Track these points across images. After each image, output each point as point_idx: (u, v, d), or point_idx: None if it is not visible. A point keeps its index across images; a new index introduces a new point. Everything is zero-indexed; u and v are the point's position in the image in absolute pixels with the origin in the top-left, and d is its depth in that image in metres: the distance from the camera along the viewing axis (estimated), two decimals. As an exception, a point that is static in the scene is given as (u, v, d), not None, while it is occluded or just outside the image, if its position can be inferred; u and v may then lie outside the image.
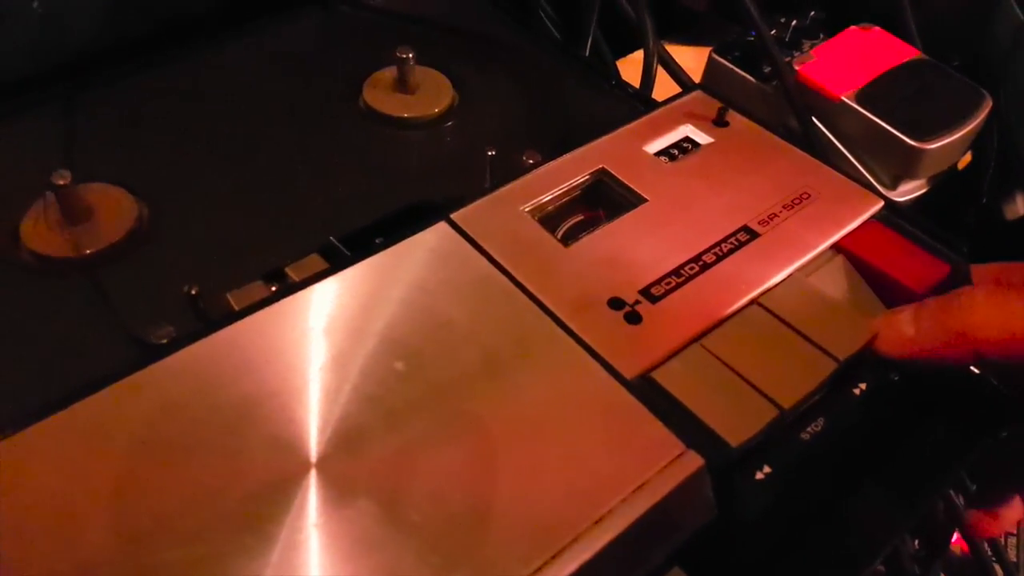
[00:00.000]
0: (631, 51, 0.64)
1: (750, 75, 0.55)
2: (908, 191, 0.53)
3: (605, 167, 0.38)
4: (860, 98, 0.51)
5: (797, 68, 0.52)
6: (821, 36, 0.57)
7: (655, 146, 0.40)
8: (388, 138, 0.47)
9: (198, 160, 0.45)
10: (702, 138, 0.40)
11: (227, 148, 0.45)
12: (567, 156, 0.39)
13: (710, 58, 0.56)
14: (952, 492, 0.47)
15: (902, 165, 0.51)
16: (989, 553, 0.55)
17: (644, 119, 0.41)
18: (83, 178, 0.41)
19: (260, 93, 0.49)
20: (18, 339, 0.36)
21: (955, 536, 0.56)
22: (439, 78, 0.49)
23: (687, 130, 0.41)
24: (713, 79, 0.56)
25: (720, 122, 0.41)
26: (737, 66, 0.55)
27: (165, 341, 0.32)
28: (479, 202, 0.37)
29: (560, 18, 0.64)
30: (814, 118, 0.52)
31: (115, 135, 0.46)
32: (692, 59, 0.61)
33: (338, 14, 0.57)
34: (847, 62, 0.53)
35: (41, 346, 0.36)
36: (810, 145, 0.40)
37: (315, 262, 0.35)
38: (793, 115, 0.52)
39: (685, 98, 0.43)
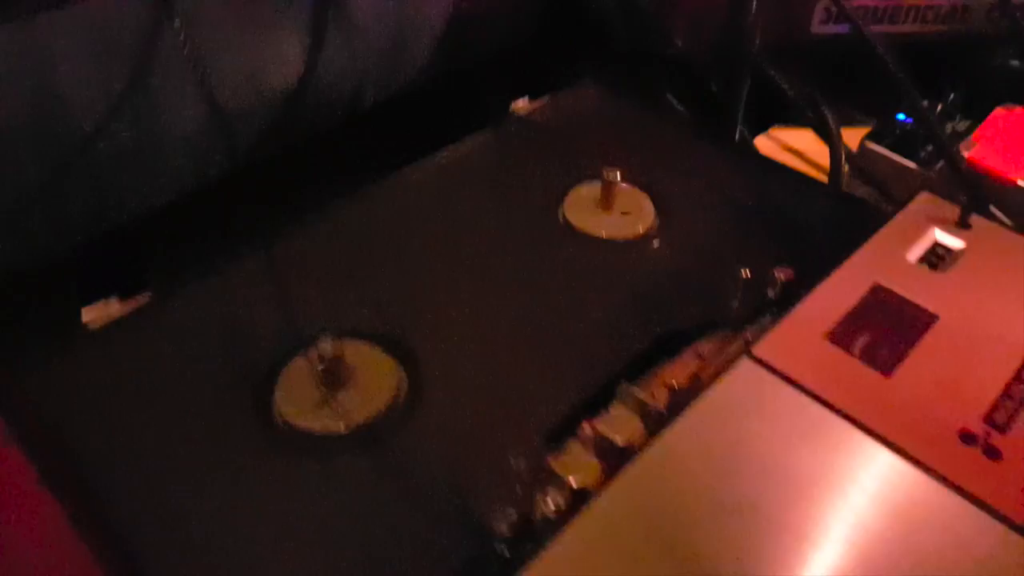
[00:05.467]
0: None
1: (908, 160, 0.55)
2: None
3: (878, 283, 0.37)
4: (1037, 181, 0.51)
5: (965, 155, 0.52)
6: (958, 117, 0.58)
7: (912, 254, 0.39)
8: (601, 261, 0.44)
9: (432, 299, 0.42)
10: (953, 242, 0.40)
11: (454, 283, 0.43)
12: (835, 274, 0.38)
13: (862, 145, 0.56)
14: None
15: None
16: None
17: (889, 226, 0.41)
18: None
19: (462, 217, 0.47)
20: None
21: None
22: (636, 193, 0.47)
23: (936, 235, 0.40)
24: (865, 165, 0.56)
25: (964, 224, 0.41)
26: (892, 152, 0.55)
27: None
28: (774, 332, 0.35)
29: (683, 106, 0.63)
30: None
31: (331, 274, 0.43)
32: (796, 141, 0.61)
33: (503, 132, 0.55)
34: (1010, 145, 0.54)
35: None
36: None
37: (629, 419, 0.33)
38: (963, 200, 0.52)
39: (918, 201, 0.42)
